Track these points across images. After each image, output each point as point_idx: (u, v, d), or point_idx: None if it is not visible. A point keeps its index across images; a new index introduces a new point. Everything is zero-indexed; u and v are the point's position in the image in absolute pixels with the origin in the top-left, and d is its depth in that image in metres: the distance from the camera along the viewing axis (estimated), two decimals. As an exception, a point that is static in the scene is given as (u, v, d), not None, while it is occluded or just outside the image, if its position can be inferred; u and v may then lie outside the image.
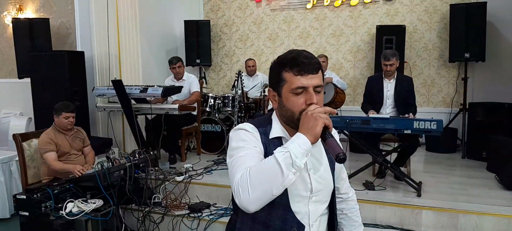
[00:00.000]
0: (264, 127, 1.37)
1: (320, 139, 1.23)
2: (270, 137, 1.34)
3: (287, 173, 1.13)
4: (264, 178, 1.15)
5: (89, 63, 5.34)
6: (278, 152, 1.16)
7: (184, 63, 5.38)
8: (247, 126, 1.36)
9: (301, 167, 1.16)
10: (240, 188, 1.16)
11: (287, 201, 1.32)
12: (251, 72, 6.32)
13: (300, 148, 1.16)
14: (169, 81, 5.33)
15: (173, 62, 5.16)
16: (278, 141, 1.35)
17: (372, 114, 4.04)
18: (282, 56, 1.33)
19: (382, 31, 5.79)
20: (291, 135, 1.34)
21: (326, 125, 1.21)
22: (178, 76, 5.22)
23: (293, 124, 1.32)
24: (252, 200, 1.15)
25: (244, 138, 1.31)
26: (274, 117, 1.40)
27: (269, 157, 1.18)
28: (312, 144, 1.19)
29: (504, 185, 3.94)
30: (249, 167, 1.18)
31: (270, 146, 1.33)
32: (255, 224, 1.37)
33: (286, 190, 1.28)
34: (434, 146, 5.68)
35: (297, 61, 1.27)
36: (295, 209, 1.33)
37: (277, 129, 1.36)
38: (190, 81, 5.27)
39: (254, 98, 6.08)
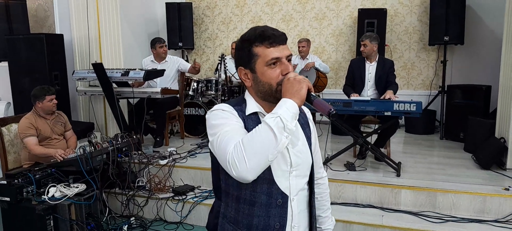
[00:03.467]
0: (239, 105, 1.39)
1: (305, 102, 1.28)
2: (247, 113, 1.37)
3: (280, 137, 1.16)
4: (258, 145, 1.16)
5: (68, 47, 5.22)
6: (268, 118, 1.18)
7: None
8: (222, 106, 1.37)
9: (292, 129, 1.19)
10: (235, 159, 1.16)
11: (270, 175, 1.34)
12: (235, 55, 6.29)
13: (289, 111, 1.19)
14: (148, 62, 5.19)
15: (161, 41, 5.06)
16: (255, 116, 1.37)
17: (354, 97, 4.10)
18: (248, 34, 1.34)
19: (364, 14, 5.83)
20: (267, 109, 1.37)
21: (309, 87, 1.26)
22: (163, 56, 5.12)
23: (271, 98, 1.34)
24: (249, 168, 1.16)
25: (223, 116, 1.33)
26: (247, 95, 1.42)
27: (260, 124, 1.20)
28: (298, 106, 1.22)
29: (480, 164, 4.08)
30: (240, 138, 1.20)
31: (248, 121, 1.35)
32: (240, 204, 1.38)
33: None
34: (413, 127, 5.81)
35: (267, 34, 1.30)
36: (277, 184, 1.36)
37: (252, 105, 1.38)
38: (177, 62, 5.17)
39: (237, 82, 6.07)
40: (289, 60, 1.34)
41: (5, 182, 3.17)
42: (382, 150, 4.32)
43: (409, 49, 6.18)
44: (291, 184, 1.38)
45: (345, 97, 4.28)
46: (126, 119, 4.86)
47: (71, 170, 3.43)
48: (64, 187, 3.27)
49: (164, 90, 4.66)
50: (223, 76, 5.62)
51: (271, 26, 1.35)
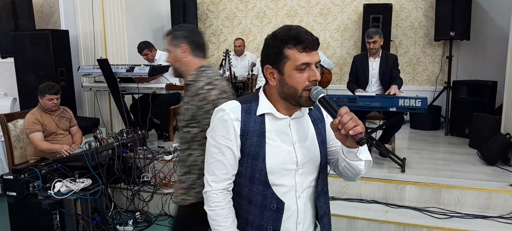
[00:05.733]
0: (249, 103, 1.39)
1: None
2: (257, 114, 1.37)
3: None
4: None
5: (73, 42, 5.25)
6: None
7: (153, 46, 5.11)
8: (229, 106, 1.38)
9: None
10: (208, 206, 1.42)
11: (265, 177, 1.35)
12: (239, 52, 6.29)
13: None
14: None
15: (138, 50, 4.97)
16: (261, 118, 1.37)
17: (359, 92, 4.09)
18: (281, 32, 1.31)
19: (369, 9, 5.80)
20: (281, 110, 1.38)
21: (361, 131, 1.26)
22: (152, 61, 5.08)
23: (293, 101, 1.34)
24: None
25: (220, 131, 1.37)
26: (261, 94, 1.41)
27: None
28: None
29: (485, 160, 4.06)
30: (214, 208, 1.39)
31: (249, 122, 1.36)
32: (241, 200, 1.41)
33: (264, 165, 1.34)
34: (418, 123, 5.78)
35: (302, 38, 1.27)
36: (281, 182, 1.36)
37: (264, 106, 1.38)
38: (163, 59, 5.03)
39: (241, 78, 6.07)
40: (317, 67, 1.33)
41: (11, 177, 3.19)
42: (387, 145, 4.31)
43: (414, 44, 6.14)
44: (297, 182, 1.38)
45: (350, 93, 4.27)
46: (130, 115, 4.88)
47: (77, 165, 3.45)
48: (70, 182, 3.30)
49: (169, 86, 4.67)
50: (227, 72, 5.62)
51: (301, 26, 1.33)
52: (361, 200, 3.60)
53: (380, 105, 3.69)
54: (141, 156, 4.20)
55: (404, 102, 3.60)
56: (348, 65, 6.06)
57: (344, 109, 1.23)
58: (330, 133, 1.41)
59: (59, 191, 3.20)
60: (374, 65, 4.32)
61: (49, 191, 3.19)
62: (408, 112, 3.80)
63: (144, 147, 4.33)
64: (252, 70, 5.80)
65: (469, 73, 5.74)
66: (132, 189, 3.96)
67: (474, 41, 5.57)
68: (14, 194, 3.20)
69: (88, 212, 3.32)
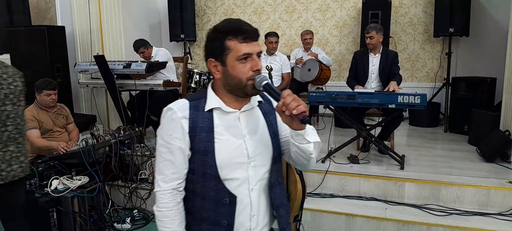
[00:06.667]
0: (197, 100, 1.41)
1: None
2: (206, 110, 1.38)
3: None
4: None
5: (70, 39, 5.20)
6: None
7: (149, 44, 4.98)
8: (176, 104, 1.39)
9: None
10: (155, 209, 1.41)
11: (216, 172, 1.36)
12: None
13: None
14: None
15: (134, 49, 4.90)
16: (209, 113, 1.38)
17: (358, 89, 4.07)
18: (222, 25, 1.36)
19: (368, 5, 5.76)
20: (229, 104, 1.39)
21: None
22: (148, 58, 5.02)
23: (239, 92, 1.36)
24: None
25: (168, 130, 1.37)
26: (210, 90, 1.43)
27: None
28: None
29: (484, 157, 4.05)
30: (161, 209, 1.38)
31: (197, 119, 1.37)
32: (195, 197, 1.42)
33: (214, 161, 1.35)
34: (417, 120, 5.77)
35: (242, 29, 1.32)
36: (233, 176, 1.37)
37: (212, 101, 1.39)
38: (160, 56, 4.96)
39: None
40: (259, 57, 1.36)
41: (7, 175, 3.16)
42: (386, 142, 4.29)
43: (413, 41, 6.12)
44: (250, 174, 1.40)
45: (348, 89, 4.25)
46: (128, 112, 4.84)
47: (74, 162, 3.43)
48: (67, 180, 3.28)
49: (167, 83, 4.64)
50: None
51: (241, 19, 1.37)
52: (360, 197, 3.58)
53: (379, 102, 3.67)
54: (138, 153, 4.18)
55: (403, 99, 3.58)
56: (347, 62, 6.05)
57: (286, 92, 1.27)
58: (281, 124, 1.43)
59: (56, 188, 3.18)
60: (374, 61, 4.30)
61: (46, 189, 3.16)
62: (407, 109, 3.78)
63: (142, 144, 4.31)
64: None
65: (468, 70, 5.72)
66: (129, 186, 3.93)
67: (473, 38, 5.55)
68: (10, 191, 3.17)
69: (85, 210, 3.30)
